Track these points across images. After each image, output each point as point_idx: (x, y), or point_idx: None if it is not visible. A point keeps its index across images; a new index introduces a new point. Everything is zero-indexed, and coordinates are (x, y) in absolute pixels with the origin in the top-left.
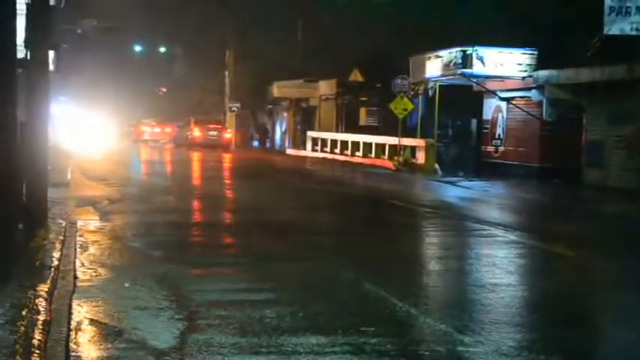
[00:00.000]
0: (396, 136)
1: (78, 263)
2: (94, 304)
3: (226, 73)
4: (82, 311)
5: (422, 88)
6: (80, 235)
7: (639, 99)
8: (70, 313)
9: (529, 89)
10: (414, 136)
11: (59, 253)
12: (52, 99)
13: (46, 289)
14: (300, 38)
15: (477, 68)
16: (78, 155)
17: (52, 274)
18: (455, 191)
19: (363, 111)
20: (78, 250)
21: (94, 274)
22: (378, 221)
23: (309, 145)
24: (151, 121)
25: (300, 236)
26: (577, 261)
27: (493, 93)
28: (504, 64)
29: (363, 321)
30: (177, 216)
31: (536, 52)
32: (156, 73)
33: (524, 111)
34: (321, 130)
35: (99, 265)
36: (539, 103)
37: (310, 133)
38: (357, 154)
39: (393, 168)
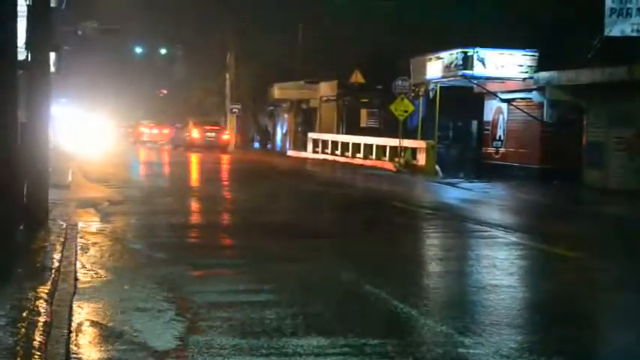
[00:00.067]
0: (397, 137)
1: (78, 265)
2: (94, 305)
3: (227, 74)
4: (82, 313)
5: (422, 89)
6: (81, 237)
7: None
8: (70, 315)
9: (530, 91)
10: (414, 137)
11: (60, 254)
12: (53, 100)
13: (47, 291)
14: (300, 39)
15: (478, 70)
16: (78, 157)
17: (53, 275)
18: (455, 193)
19: (363, 112)
20: (78, 251)
21: (94, 275)
22: (378, 222)
23: (309, 146)
24: (149, 122)
25: (301, 237)
26: (577, 262)
27: (494, 94)
28: (505, 65)
29: (363, 322)
30: (178, 217)
31: (536, 54)
32: (156, 74)
33: (524, 112)
34: (321, 131)
35: (99, 266)
36: (540, 105)
37: (311, 135)
38: (358, 155)
39: (394, 169)
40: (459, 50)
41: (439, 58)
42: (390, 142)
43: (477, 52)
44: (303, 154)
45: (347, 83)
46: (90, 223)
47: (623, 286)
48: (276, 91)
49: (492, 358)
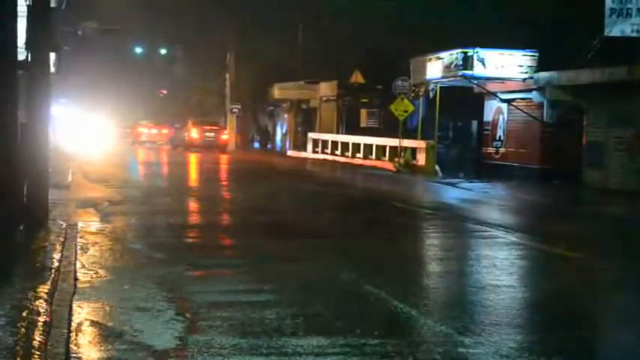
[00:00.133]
0: (397, 137)
1: (78, 265)
2: (94, 305)
3: (227, 74)
4: (82, 313)
5: (422, 89)
6: (81, 237)
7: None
8: (70, 315)
9: (530, 91)
10: (414, 137)
11: (60, 254)
12: (53, 100)
13: (47, 291)
14: (300, 40)
15: (478, 70)
16: (78, 157)
17: (53, 275)
18: (455, 193)
19: (363, 112)
20: (78, 251)
21: (94, 275)
22: (378, 222)
23: (309, 146)
24: (148, 122)
25: (301, 237)
26: (577, 262)
27: (494, 94)
28: (505, 65)
29: (363, 322)
30: (178, 217)
31: (536, 54)
32: (156, 74)
33: (524, 112)
34: (321, 131)
35: (99, 266)
36: (540, 105)
37: (311, 135)
38: (358, 155)
39: (394, 169)
40: (459, 50)
41: (439, 58)
42: (390, 142)
43: (477, 52)
44: (303, 154)
45: (347, 83)
46: (90, 223)
47: (623, 286)
48: (276, 91)
49: (492, 357)
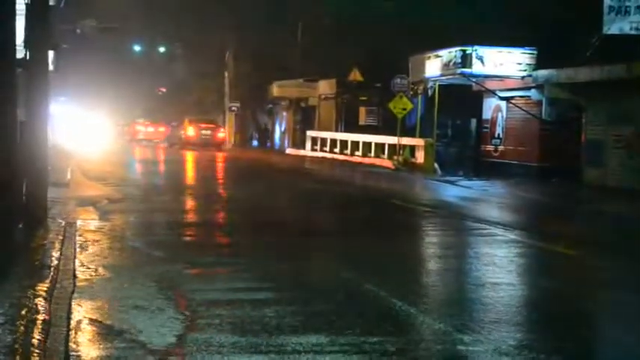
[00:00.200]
0: (396, 135)
1: (77, 263)
2: (93, 303)
3: (226, 72)
4: (81, 311)
5: (421, 87)
6: (80, 235)
7: (639, 98)
8: (69, 313)
9: (528, 89)
10: (413, 135)
11: (59, 252)
12: (52, 99)
13: (46, 289)
14: (299, 38)
15: (477, 68)
16: (77, 155)
17: (52, 273)
18: (454, 190)
19: (362, 110)
20: (77, 249)
21: (93, 273)
22: (377, 221)
23: (308, 144)
24: (145, 120)
25: (300, 235)
26: (576, 260)
27: (492, 92)
28: (504, 63)
29: (362, 320)
30: (176, 215)
31: (535, 52)
32: (155, 73)
33: (523, 110)
34: (320, 129)
35: (98, 264)
36: (539, 103)
37: (310, 133)
38: (357, 153)
39: (393, 167)
40: (458, 48)
41: (438, 56)
42: (389, 139)
43: (476, 50)
44: (301, 152)
45: (346, 81)
46: (89, 221)
47: (622, 284)
48: (275, 90)
49: (491, 355)
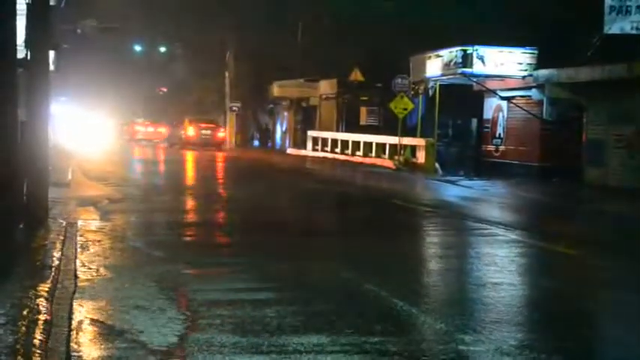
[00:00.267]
0: (397, 135)
1: (78, 263)
2: (94, 303)
3: (226, 72)
4: (82, 311)
5: (422, 87)
6: (81, 235)
7: (639, 98)
8: (70, 313)
9: (529, 88)
10: (414, 135)
11: (60, 252)
12: (52, 99)
13: (47, 289)
14: (300, 38)
15: (478, 67)
16: (78, 155)
17: (53, 273)
18: (455, 190)
19: (363, 110)
20: (78, 249)
21: (94, 273)
22: (378, 220)
23: (309, 144)
24: (145, 120)
25: (300, 235)
26: (578, 260)
27: (493, 92)
28: (505, 63)
29: (363, 320)
30: (177, 215)
31: (536, 52)
32: (156, 72)
33: (524, 110)
34: (321, 129)
35: (99, 264)
36: (540, 103)
37: (311, 133)
38: (358, 153)
39: (394, 167)
40: (459, 48)
41: (439, 56)
42: (390, 139)
43: (477, 49)
44: (302, 152)
45: (347, 81)
46: (90, 221)
47: (623, 283)
48: (276, 89)
49: (492, 355)
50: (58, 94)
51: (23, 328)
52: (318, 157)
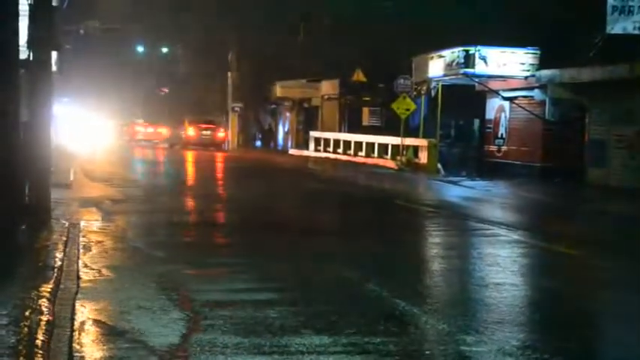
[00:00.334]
0: (399, 136)
1: (81, 264)
2: (97, 304)
3: (228, 73)
4: (85, 312)
5: (424, 88)
6: (83, 236)
7: None
8: (73, 314)
9: (532, 89)
10: (416, 135)
11: (62, 253)
12: (55, 99)
13: (50, 290)
14: (302, 38)
15: (480, 68)
16: (80, 156)
17: (55, 274)
18: (457, 191)
19: (365, 111)
20: (81, 250)
21: (97, 274)
22: (380, 221)
23: (311, 145)
24: (145, 121)
25: (303, 236)
26: (580, 260)
27: (496, 92)
28: (507, 63)
29: (365, 321)
30: (179, 216)
31: (538, 52)
32: (158, 73)
33: (526, 110)
34: (323, 130)
35: (102, 265)
36: (542, 103)
37: (313, 133)
38: (360, 154)
39: (396, 168)
40: (461, 48)
41: (441, 56)
42: (392, 140)
43: (479, 50)
44: (305, 153)
45: (349, 82)
46: (92, 222)
47: (625, 284)
48: (278, 90)
49: (495, 355)
50: (60, 95)
51: (26, 329)
52: (321, 158)
